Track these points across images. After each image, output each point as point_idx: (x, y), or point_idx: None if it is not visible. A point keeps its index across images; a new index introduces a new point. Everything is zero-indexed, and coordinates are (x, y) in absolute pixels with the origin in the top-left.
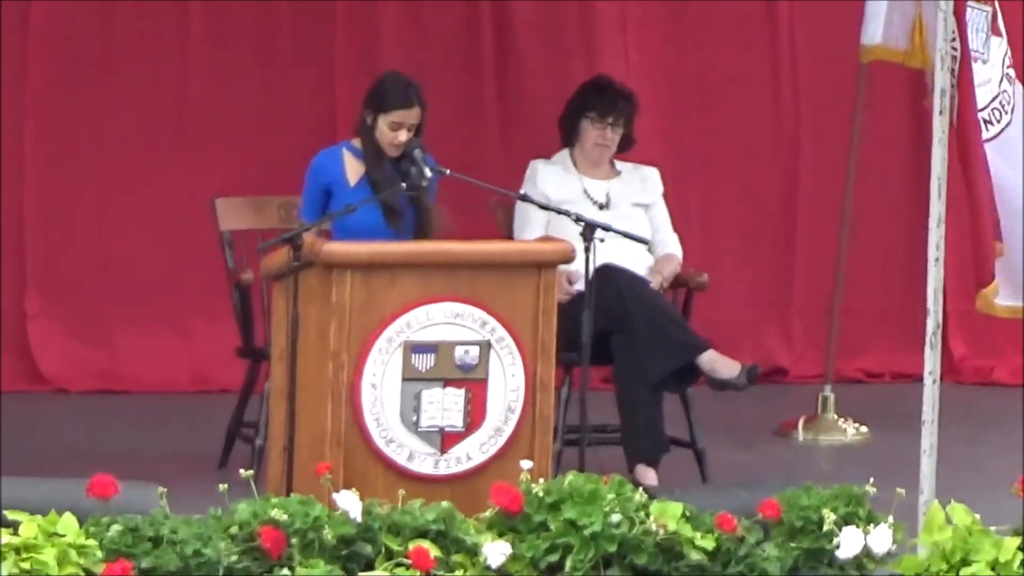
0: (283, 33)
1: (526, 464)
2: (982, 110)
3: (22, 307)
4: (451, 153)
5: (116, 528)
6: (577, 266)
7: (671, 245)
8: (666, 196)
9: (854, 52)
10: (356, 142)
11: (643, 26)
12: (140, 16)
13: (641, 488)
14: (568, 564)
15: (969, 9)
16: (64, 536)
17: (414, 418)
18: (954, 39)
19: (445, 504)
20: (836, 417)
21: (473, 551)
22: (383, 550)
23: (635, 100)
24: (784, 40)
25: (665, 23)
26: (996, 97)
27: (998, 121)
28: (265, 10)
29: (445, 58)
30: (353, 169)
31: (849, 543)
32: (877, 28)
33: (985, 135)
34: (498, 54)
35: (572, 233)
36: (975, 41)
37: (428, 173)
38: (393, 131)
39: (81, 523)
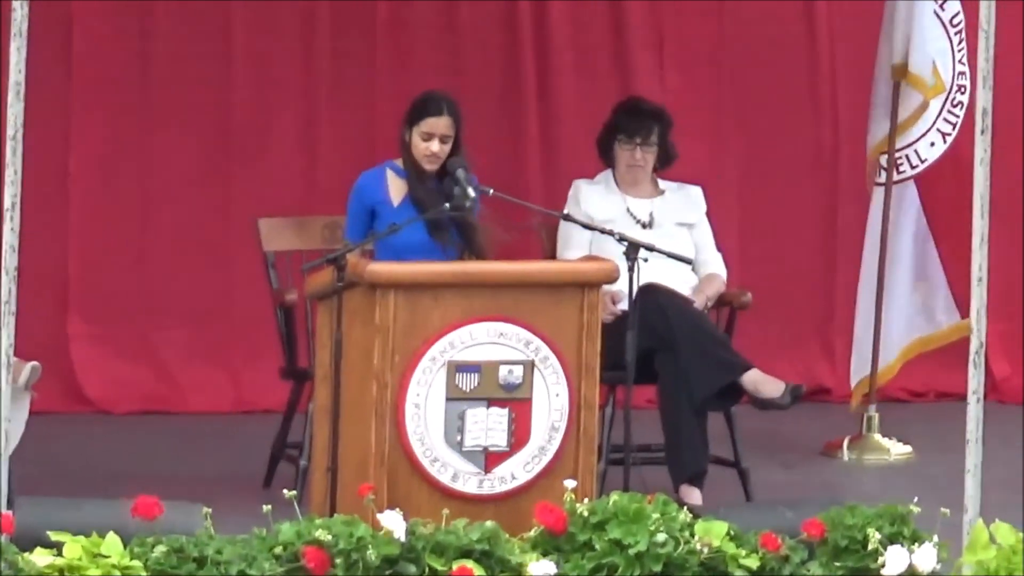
0: (324, 54)
1: (570, 483)
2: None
3: (64, 329)
4: (491, 174)
5: (160, 549)
6: (621, 285)
7: (714, 264)
8: (709, 215)
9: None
10: (399, 162)
11: (680, 47)
12: (182, 38)
13: (685, 507)
14: None
15: None
16: (108, 557)
17: (458, 438)
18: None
19: (489, 524)
20: (880, 436)
21: (517, 571)
22: (427, 570)
23: (666, 116)
24: (824, 59)
25: (702, 43)
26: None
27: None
28: (306, 32)
29: (485, 80)
30: (396, 189)
31: (894, 563)
32: (900, 47)
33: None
34: (538, 76)
35: (615, 252)
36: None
37: (471, 193)
38: (424, 142)
39: (125, 544)
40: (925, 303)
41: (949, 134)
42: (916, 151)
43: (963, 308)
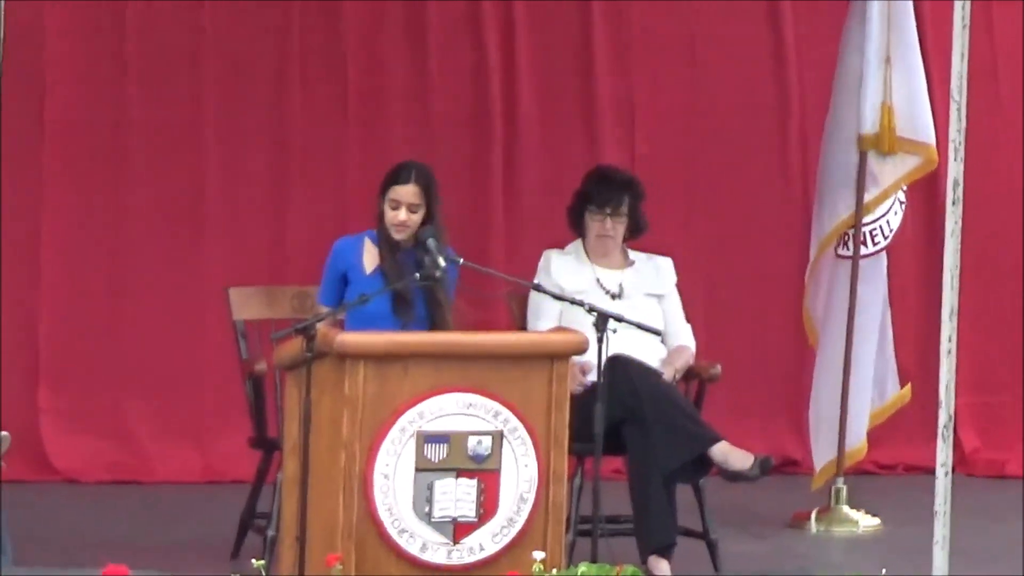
0: (295, 124)
1: (539, 555)
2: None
3: (34, 398)
4: (457, 244)
5: None
6: (590, 357)
7: (684, 336)
8: (678, 286)
9: None
10: None
11: (650, 115)
12: (153, 109)
13: None
14: None
15: None
16: None
17: (427, 508)
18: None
19: None
20: (848, 508)
21: None
22: None
23: (636, 187)
24: (795, 128)
25: (673, 112)
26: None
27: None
28: (277, 100)
29: (454, 149)
30: (371, 257)
31: None
32: (869, 115)
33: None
34: (506, 146)
35: (585, 323)
36: None
37: (442, 262)
38: (393, 210)
39: None
40: (879, 376)
41: (903, 201)
42: (888, 221)
43: (903, 377)
